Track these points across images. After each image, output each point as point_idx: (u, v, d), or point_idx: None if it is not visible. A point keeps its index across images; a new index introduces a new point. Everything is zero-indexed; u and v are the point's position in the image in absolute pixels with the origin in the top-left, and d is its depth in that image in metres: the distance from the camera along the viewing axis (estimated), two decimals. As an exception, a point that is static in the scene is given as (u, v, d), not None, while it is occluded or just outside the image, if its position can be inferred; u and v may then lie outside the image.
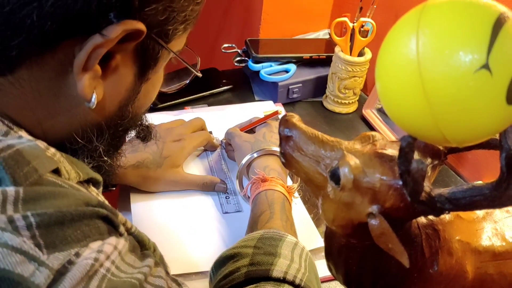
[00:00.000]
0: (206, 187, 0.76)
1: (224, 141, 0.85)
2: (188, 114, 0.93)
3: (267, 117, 0.83)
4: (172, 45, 0.42)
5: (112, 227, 0.35)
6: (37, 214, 0.29)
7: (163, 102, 0.97)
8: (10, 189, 0.30)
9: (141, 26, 0.35)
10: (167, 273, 0.38)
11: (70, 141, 0.41)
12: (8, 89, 0.36)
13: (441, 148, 0.43)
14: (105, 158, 0.44)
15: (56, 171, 0.34)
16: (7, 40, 0.33)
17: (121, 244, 0.34)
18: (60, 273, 0.29)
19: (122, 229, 0.37)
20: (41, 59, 0.35)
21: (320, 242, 0.70)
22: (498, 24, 0.29)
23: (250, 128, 0.82)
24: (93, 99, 0.38)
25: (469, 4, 0.31)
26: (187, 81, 0.99)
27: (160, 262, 0.43)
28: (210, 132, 0.88)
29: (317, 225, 0.74)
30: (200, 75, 0.57)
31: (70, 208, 0.31)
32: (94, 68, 0.36)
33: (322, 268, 0.56)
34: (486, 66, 0.29)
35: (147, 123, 0.53)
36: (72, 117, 0.40)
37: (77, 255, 0.30)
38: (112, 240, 0.33)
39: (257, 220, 0.60)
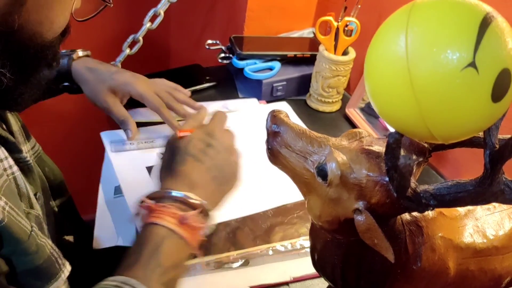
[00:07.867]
0: (119, 122, 0.81)
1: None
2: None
3: None
4: None
5: None
6: None
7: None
8: None
9: None
10: None
11: None
12: None
13: (426, 145, 0.44)
14: (2, 70, 0.43)
15: None
16: None
17: None
18: None
19: None
20: None
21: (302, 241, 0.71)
22: (484, 23, 0.30)
23: None
24: None
25: (457, 4, 0.31)
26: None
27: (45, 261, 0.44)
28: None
29: (300, 223, 0.74)
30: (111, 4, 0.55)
31: None
32: None
33: (307, 265, 0.57)
34: (472, 64, 0.30)
35: (59, 50, 0.50)
36: None
37: None
38: None
39: (122, 264, 0.49)
